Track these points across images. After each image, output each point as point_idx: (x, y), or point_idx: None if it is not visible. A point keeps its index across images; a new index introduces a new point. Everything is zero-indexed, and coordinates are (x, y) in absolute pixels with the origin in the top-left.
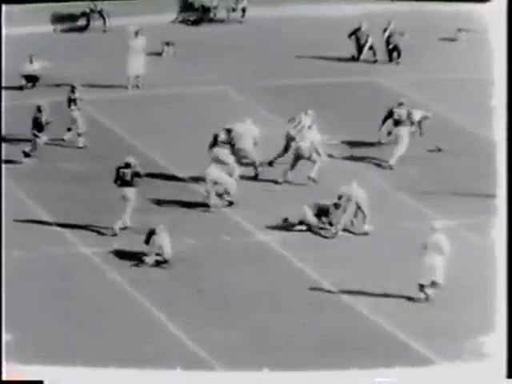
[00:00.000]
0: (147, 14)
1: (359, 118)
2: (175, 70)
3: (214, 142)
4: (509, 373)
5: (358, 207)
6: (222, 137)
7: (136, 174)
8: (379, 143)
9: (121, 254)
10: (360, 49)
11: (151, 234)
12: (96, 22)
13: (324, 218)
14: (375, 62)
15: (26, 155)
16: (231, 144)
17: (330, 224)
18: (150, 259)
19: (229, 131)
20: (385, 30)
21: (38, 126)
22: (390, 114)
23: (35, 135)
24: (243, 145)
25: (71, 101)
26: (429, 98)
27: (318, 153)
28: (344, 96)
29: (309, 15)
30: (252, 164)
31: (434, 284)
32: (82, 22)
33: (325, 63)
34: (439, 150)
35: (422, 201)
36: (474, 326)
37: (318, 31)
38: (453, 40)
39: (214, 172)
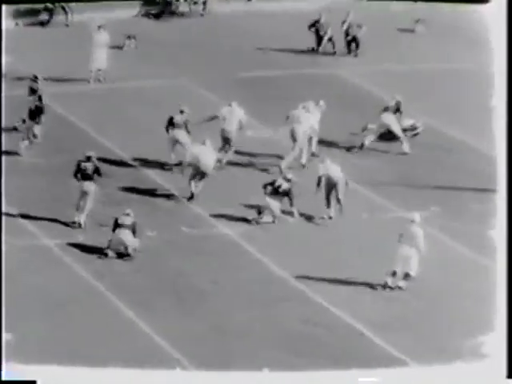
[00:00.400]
0: (110, 9)
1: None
2: (136, 64)
3: (170, 124)
4: (509, 373)
5: (334, 185)
6: (178, 118)
7: (96, 170)
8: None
9: (83, 247)
10: (319, 41)
11: (117, 223)
12: (59, 17)
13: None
14: (334, 53)
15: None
16: (186, 125)
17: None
18: (111, 252)
19: (182, 112)
20: (343, 22)
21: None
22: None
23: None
24: (229, 127)
25: (32, 91)
26: (386, 89)
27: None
28: (304, 88)
29: (269, 9)
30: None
31: (406, 276)
32: (44, 17)
33: (285, 56)
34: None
35: (381, 193)
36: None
37: (279, 24)
38: (411, 31)
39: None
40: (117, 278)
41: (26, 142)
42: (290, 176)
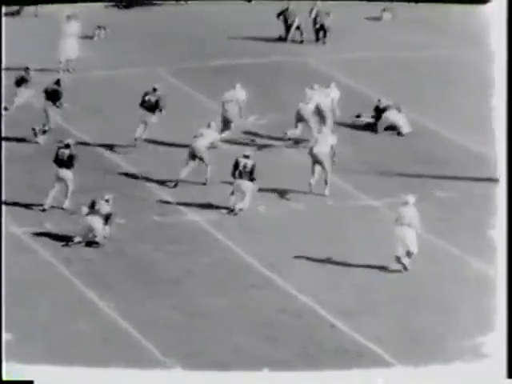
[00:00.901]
0: None
1: (288, 97)
2: (106, 53)
3: (143, 102)
4: (509, 373)
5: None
6: (150, 97)
7: (70, 157)
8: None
9: (52, 234)
10: (288, 29)
11: (93, 207)
12: (29, 8)
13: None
14: (302, 42)
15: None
16: (157, 103)
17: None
18: (78, 237)
19: (155, 90)
20: (311, 10)
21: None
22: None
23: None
24: (231, 109)
25: (22, 81)
26: (353, 76)
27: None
28: (273, 76)
29: None
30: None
31: (409, 254)
32: (13, 7)
33: (256, 44)
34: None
35: (351, 181)
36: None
37: (250, 13)
38: (378, 19)
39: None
40: (85, 265)
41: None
42: (248, 153)
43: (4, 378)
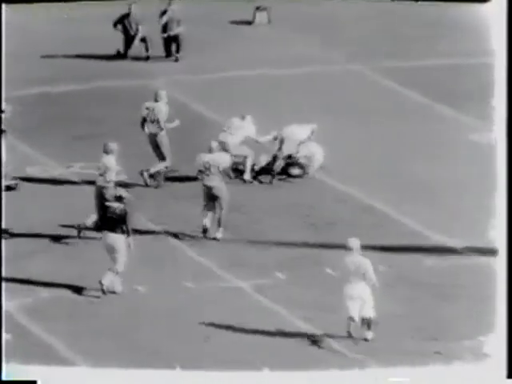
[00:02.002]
0: None
1: (123, 133)
2: None
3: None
4: (509, 373)
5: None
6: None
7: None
8: None
9: None
10: (129, 42)
11: None
12: None
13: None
14: (148, 58)
15: None
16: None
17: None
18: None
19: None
20: (162, 15)
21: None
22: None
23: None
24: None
25: None
26: (214, 103)
27: None
28: (101, 107)
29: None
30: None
31: (366, 322)
32: None
33: (81, 64)
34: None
35: None
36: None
37: (78, 25)
38: (249, 23)
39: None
40: None
41: None
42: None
43: (4, 378)
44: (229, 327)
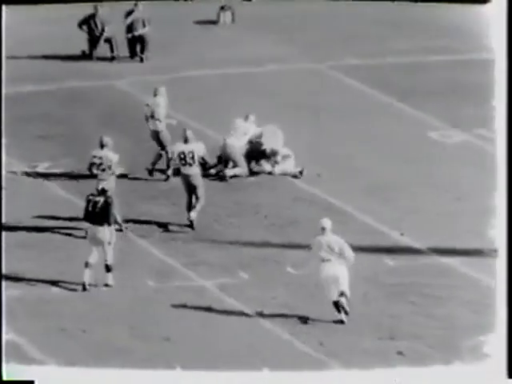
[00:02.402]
0: None
1: (87, 136)
2: None
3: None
4: (509, 373)
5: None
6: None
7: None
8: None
9: None
10: (94, 42)
11: None
12: None
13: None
14: (113, 59)
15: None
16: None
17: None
18: None
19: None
20: (128, 15)
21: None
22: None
23: None
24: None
25: None
26: (180, 105)
27: None
28: (66, 108)
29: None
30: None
31: (342, 295)
32: None
33: (44, 65)
34: None
35: None
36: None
37: (39, 25)
38: (214, 22)
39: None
40: None
41: None
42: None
43: (4, 378)
44: (191, 327)
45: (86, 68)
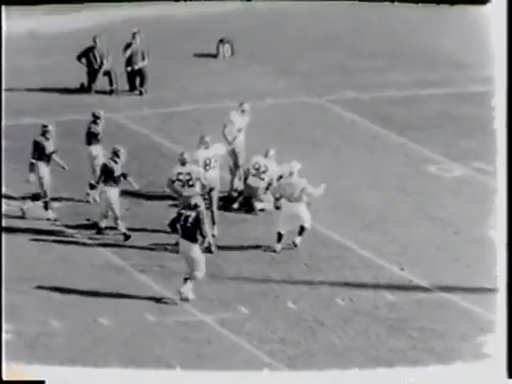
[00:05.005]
0: None
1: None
2: None
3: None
4: (509, 373)
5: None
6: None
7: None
8: None
9: None
10: (93, 75)
11: None
12: None
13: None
14: (112, 92)
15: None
16: None
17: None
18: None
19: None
20: (127, 48)
21: None
22: None
23: None
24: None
25: None
26: (178, 138)
27: None
28: (65, 141)
29: (25, 29)
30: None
31: (302, 230)
32: None
33: (41, 98)
34: None
35: None
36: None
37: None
38: (214, 56)
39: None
40: None
41: None
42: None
43: (4, 378)
44: (192, 361)
45: (83, 102)
